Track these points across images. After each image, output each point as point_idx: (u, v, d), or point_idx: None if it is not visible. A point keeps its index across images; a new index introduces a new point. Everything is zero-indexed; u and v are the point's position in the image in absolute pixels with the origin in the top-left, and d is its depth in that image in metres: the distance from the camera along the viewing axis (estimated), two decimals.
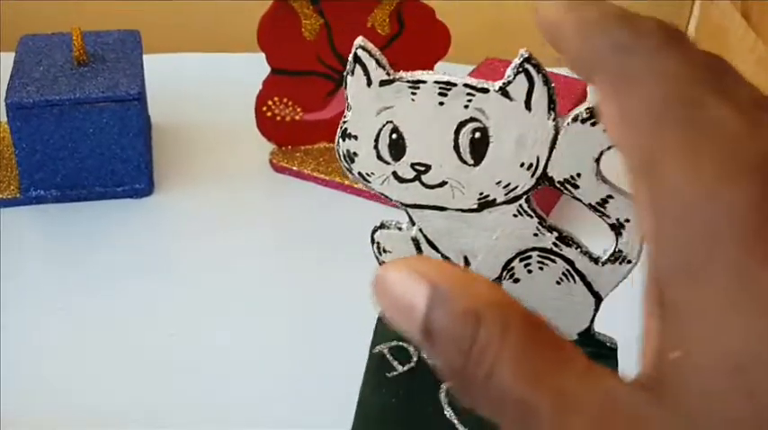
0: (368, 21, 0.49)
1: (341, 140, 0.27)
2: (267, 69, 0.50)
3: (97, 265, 0.44)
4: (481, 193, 0.27)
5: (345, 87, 0.27)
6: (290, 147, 0.52)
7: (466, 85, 0.25)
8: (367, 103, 0.26)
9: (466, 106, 0.26)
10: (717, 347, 0.14)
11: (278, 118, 0.51)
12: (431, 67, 0.51)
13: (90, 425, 0.36)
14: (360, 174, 0.28)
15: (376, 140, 0.27)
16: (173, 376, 0.38)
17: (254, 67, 0.50)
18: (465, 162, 0.26)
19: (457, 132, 0.26)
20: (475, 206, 0.27)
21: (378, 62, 0.26)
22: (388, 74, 0.26)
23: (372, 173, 0.27)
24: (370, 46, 0.26)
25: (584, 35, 0.17)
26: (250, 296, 0.43)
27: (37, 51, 0.48)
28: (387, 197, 0.28)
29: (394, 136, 0.27)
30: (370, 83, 0.26)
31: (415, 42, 0.50)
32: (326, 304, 0.43)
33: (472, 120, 0.26)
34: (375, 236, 0.29)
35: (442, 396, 0.29)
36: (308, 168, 0.50)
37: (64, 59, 0.47)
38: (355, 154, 0.27)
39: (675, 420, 0.15)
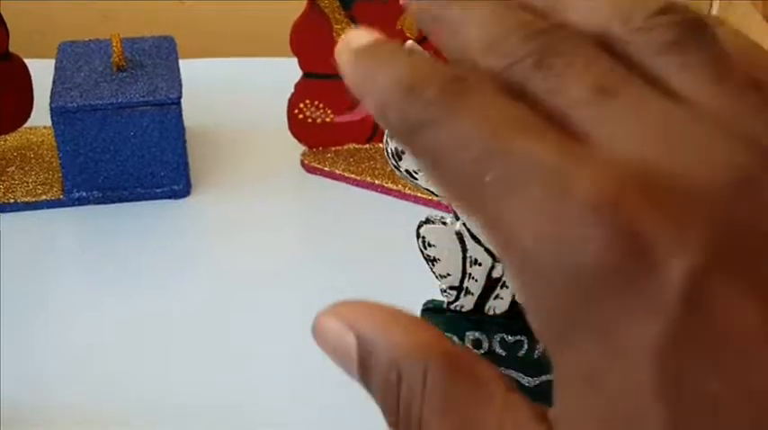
0: (397, 24, 0.50)
1: (389, 140, 0.29)
2: (298, 73, 0.51)
3: (137, 264, 0.46)
4: None
5: None
6: (320, 148, 0.53)
7: None
8: None
9: None
10: (584, 418, 0.13)
11: (309, 120, 0.52)
12: None
13: (127, 418, 0.37)
14: (407, 171, 0.29)
15: None
16: (208, 373, 0.40)
17: (285, 71, 0.52)
18: None
19: None
20: None
21: None
22: None
23: (419, 170, 0.29)
24: (418, 48, 0.28)
25: None
26: (285, 294, 0.45)
27: (76, 57, 0.50)
28: (432, 193, 0.30)
29: None
30: None
31: None
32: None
33: None
34: (420, 230, 0.30)
35: None
36: (339, 169, 0.52)
37: (103, 65, 0.49)
38: (403, 152, 0.29)
39: None
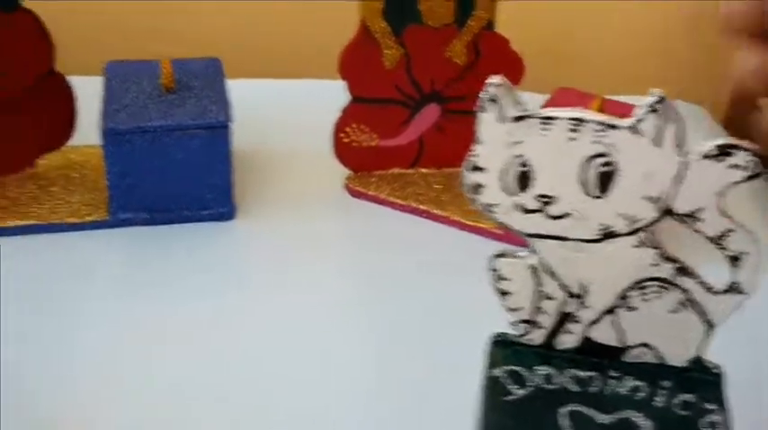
0: (446, 51, 0.50)
1: (468, 173, 0.29)
2: (343, 96, 0.51)
3: (181, 285, 0.45)
4: (604, 225, 0.28)
5: (478, 124, 0.28)
6: (364, 172, 0.53)
7: (596, 122, 0.27)
8: (498, 137, 0.28)
9: (595, 142, 0.27)
10: None
11: (354, 144, 0.52)
12: None
13: None
14: (485, 204, 0.29)
15: (504, 173, 0.28)
16: (253, 394, 0.39)
17: (331, 94, 0.52)
18: (590, 195, 0.28)
19: (584, 166, 0.27)
20: (597, 237, 0.28)
21: (512, 99, 0.27)
22: (521, 110, 0.27)
23: (497, 204, 0.29)
24: (505, 84, 0.28)
25: None
26: (332, 319, 0.44)
27: (124, 77, 0.50)
28: (508, 227, 0.29)
29: (522, 169, 0.28)
30: (502, 119, 0.28)
31: (489, 72, 0.50)
32: (411, 327, 0.44)
33: (601, 154, 0.27)
34: (494, 263, 0.30)
35: (564, 419, 0.30)
36: (384, 193, 0.52)
37: (151, 86, 0.49)
38: (482, 186, 0.28)
39: None
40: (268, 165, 0.55)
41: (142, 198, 0.48)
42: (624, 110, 0.30)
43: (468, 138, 0.53)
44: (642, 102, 0.27)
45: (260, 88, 0.59)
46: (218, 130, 0.46)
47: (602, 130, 0.27)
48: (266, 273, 0.47)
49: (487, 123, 0.28)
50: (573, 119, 0.27)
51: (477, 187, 0.29)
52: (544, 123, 0.27)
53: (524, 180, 0.28)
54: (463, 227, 0.50)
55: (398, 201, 0.51)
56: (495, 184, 0.28)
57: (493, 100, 0.27)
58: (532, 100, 0.52)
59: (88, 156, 0.53)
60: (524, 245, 0.29)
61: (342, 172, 0.53)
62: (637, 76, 0.66)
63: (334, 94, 0.52)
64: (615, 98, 0.50)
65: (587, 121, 0.27)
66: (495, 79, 0.28)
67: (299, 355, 0.42)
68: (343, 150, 0.52)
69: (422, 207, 0.51)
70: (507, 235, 0.49)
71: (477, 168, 0.28)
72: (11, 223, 0.47)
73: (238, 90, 0.53)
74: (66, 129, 0.51)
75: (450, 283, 0.47)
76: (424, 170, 0.54)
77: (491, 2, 0.49)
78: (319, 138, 0.53)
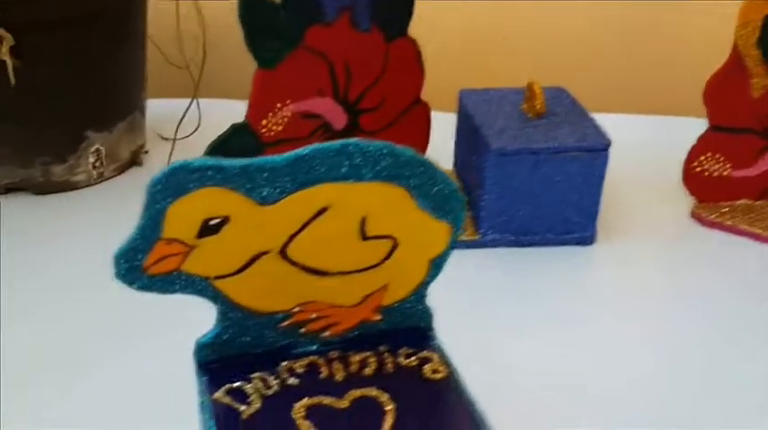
0: None
1: None
2: (679, 132, 0.51)
3: (545, 308, 0.45)
4: None
5: None
6: (710, 202, 0.52)
7: None
8: None
9: None
10: None
11: (705, 173, 0.52)
12: None
13: None
14: None
15: None
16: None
17: (672, 130, 0.52)
18: None
19: None
20: None
21: None
22: None
23: None
24: None
25: None
26: (688, 353, 0.43)
27: (482, 105, 0.51)
28: None
29: None
30: None
31: None
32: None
33: None
34: None
35: None
36: (743, 224, 0.51)
37: (516, 112, 0.50)
38: None
39: None
40: (615, 191, 0.55)
41: (510, 220, 0.48)
42: None
43: None
44: None
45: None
46: (598, 154, 0.47)
47: None
48: (623, 298, 0.46)
49: None
50: None
51: None
52: None
53: None
54: None
55: (761, 233, 0.50)
56: None
57: None
58: None
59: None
60: None
61: (685, 201, 0.53)
62: None
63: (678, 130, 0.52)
64: None
65: None
66: None
67: (642, 385, 0.40)
68: (693, 179, 0.52)
69: None
70: None
71: None
72: None
73: None
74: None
75: None
76: None
77: None
78: (665, 170, 0.53)
